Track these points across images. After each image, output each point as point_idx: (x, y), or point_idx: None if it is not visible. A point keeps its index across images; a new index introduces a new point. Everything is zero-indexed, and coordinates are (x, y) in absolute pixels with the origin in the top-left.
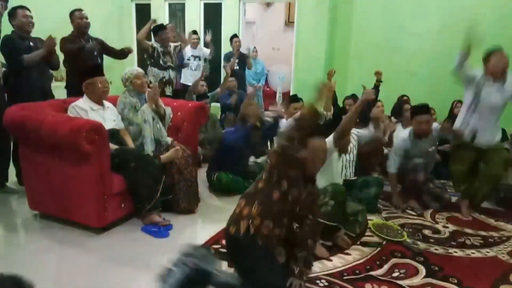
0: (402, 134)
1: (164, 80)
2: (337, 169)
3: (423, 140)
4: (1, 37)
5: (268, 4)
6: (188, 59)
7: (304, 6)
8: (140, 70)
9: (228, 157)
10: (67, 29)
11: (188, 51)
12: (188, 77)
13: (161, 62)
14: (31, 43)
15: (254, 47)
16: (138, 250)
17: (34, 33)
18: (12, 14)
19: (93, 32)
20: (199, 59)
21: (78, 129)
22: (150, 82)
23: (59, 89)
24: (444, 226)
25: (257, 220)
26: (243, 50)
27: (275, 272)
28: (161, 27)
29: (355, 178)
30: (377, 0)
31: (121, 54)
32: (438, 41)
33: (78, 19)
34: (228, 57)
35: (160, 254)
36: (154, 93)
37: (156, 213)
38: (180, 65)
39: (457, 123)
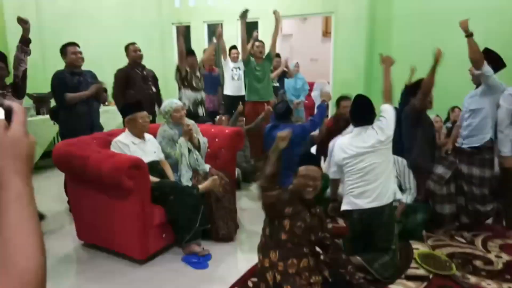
0: None
1: (197, 101)
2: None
3: None
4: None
5: (305, 17)
6: (232, 70)
7: (341, 19)
8: (179, 103)
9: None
10: (113, 57)
11: (229, 64)
12: (231, 88)
13: (194, 84)
14: (81, 78)
15: (297, 62)
16: (179, 281)
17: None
18: (63, 51)
19: None
20: (239, 69)
21: (120, 166)
22: (184, 104)
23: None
24: (497, 256)
25: (280, 265)
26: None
27: None
28: (190, 52)
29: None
30: (416, 12)
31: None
32: None
33: (132, 52)
34: None
35: (199, 285)
36: (189, 129)
37: (196, 243)
38: (219, 86)
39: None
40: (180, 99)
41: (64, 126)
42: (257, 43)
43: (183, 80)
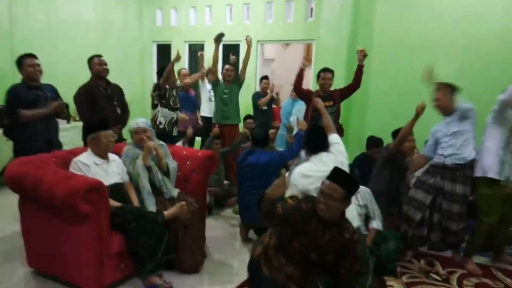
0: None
1: (173, 120)
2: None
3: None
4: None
5: (287, 43)
6: (209, 92)
7: (322, 47)
8: (141, 125)
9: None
10: (85, 73)
11: (207, 85)
12: (208, 109)
13: (171, 103)
14: (40, 92)
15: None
16: None
17: (50, 78)
18: (19, 64)
19: (115, 72)
20: None
21: (76, 190)
22: (160, 123)
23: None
24: None
25: (271, 250)
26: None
27: None
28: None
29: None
30: (395, 43)
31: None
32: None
33: (97, 65)
34: (257, 96)
35: None
36: (149, 151)
37: (157, 275)
38: (196, 108)
39: (491, 162)
40: (155, 116)
41: (19, 143)
42: (226, 66)
43: (162, 98)
